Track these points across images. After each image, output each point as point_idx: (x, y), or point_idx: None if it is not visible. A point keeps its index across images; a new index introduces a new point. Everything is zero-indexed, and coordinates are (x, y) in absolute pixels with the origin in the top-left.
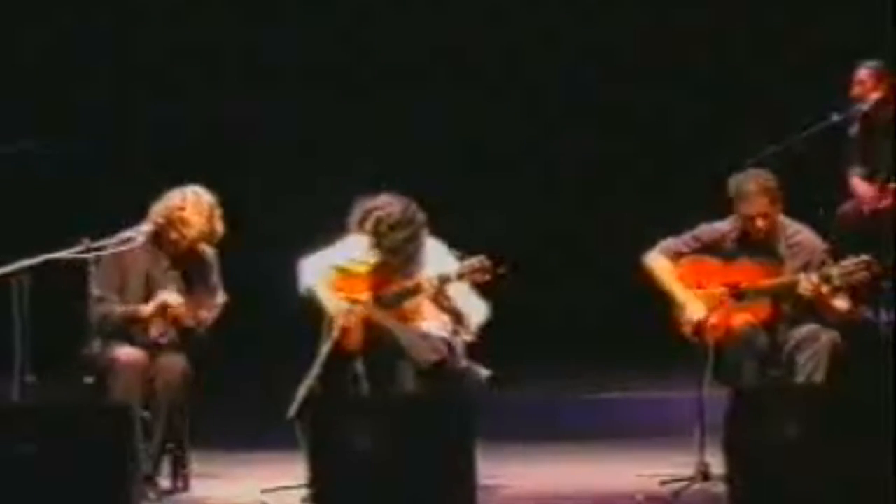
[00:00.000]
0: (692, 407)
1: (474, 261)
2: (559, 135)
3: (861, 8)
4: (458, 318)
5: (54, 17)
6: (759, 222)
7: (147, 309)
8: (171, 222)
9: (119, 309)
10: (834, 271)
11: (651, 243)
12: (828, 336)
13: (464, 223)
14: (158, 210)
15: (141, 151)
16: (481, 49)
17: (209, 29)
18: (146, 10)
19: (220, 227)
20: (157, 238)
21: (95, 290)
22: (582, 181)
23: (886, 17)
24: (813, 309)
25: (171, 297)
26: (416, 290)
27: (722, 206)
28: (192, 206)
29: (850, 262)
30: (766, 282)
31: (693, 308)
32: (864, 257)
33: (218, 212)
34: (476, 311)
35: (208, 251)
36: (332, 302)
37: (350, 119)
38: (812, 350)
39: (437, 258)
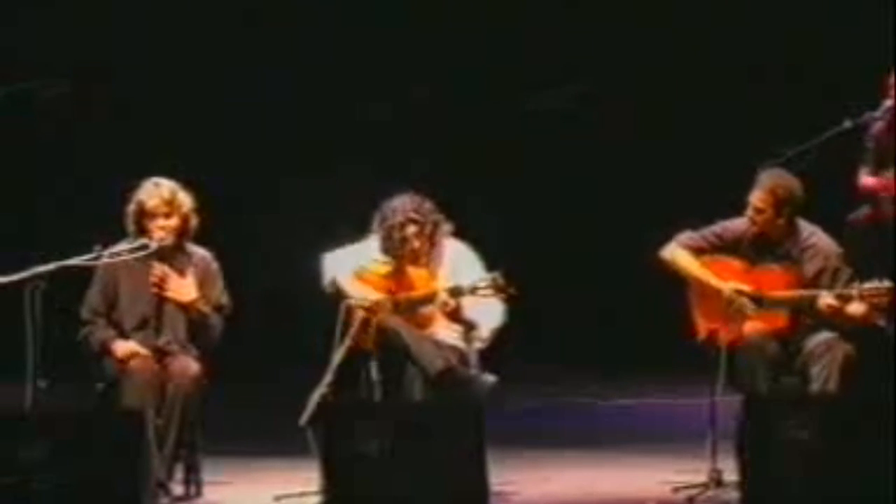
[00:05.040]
0: (701, 413)
1: (489, 277)
2: (560, 134)
3: (862, 9)
4: (469, 327)
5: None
6: (753, 214)
7: (118, 352)
8: (142, 218)
9: (98, 335)
10: (855, 293)
11: (652, 245)
12: (840, 347)
13: (463, 223)
14: (129, 215)
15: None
16: (482, 49)
17: (209, 28)
18: (145, 7)
19: (187, 202)
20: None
21: (82, 313)
22: (583, 181)
23: (888, 17)
24: (829, 319)
25: (132, 350)
26: (430, 299)
27: (723, 207)
28: (152, 196)
29: (872, 286)
30: (786, 293)
31: (729, 289)
32: (887, 283)
33: (182, 193)
34: (490, 317)
35: (208, 258)
36: (358, 293)
37: (350, 119)
38: (824, 361)
39: (465, 265)
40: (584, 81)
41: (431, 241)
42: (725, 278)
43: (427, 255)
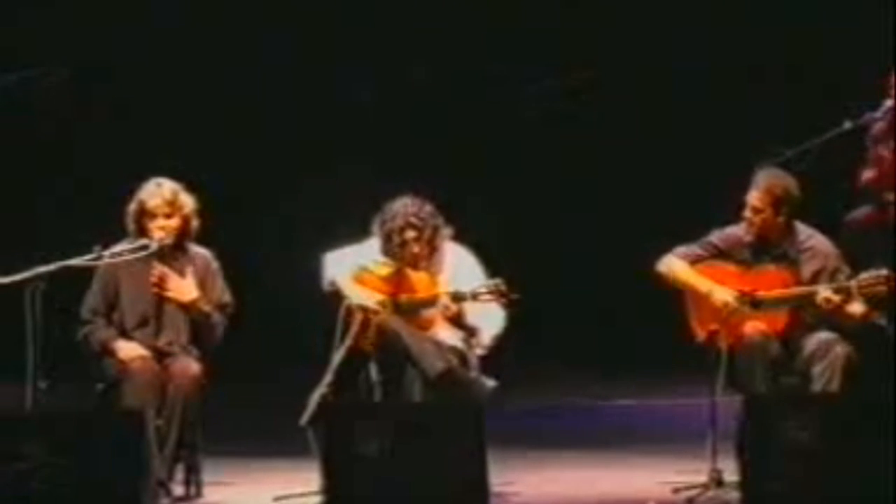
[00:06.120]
0: (701, 413)
1: (491, 283)
2: (560, 134)
3: (862, 9)
4: (470, 333)
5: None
6: (751, 214)
7: (120, 354)
8: (142, 217)
9: (100, 335)
10: (852, 284)
11: (652, 245)
12: (842, 347)
13: (463, 224)
14: (129, 214)
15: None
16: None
17: (209, 28)
18: (146, 7)
19: (188, 203)
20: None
21: (82, 313)
22: (583, 181)
23: (888, 17)
24: (829, 316)
25: (134, 351)
26: (431, 302)
27: (723, 207)
28: (153, 196)
29: (869, 276)
30: (784, 291)
31: (720, 293)
32: (884, 272)
33: (183, 195)
34: (491, 323)
35: (209, 257)
36: (356, 295)
37: (350, 119)
38: (826, 361)
39: (465, 270)
40: (583, 70)
41: (431, 246)
42: (722, 283)
43: (427, 259)
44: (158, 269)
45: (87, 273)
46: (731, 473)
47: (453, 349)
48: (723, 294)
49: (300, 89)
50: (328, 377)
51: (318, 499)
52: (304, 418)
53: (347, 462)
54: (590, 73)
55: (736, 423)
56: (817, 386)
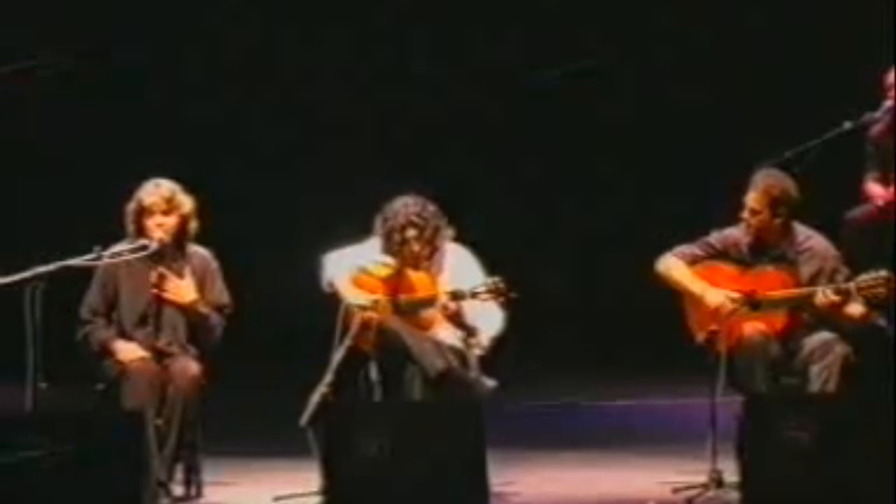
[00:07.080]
0: (701, 413)
1: (490, 282)
2: (560, 133)
3: (862, 9)
4: (469, 332)
5: None
6: (749, 216)
7: (119, 354)
8: (140, 216)
9: (100, 335)
10: (852, 286)
11: (652, 245)
12: (840, 348)
13: (463, 224)
14: (128, 214)
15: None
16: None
17: (210, 27)
18: (146, 6)
19: (186, 203)
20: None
21: (82, 313)
22: (583, 180)
23: (889, 17)
24: (828, 317)
25: (133, 352)
26: (430, 301)
27: (723, 208)
28: (151, 194)
29: (868, 278)
30: (782, 293)
31: (713, 295)
32: (884, 273)
33: (182, 195)
34: (490, 324)
35: (208, 257)
36: (353, 297)
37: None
38: (825, 362)
39: (466, 270)
40: (586, 60)
41: (432, 246)
42: (720, 283)
43: (427, 259)
44: (157, 270)
45: (87, 273)
46: (731, 473)
47: (453, 349)
48: (716, 296)
49: (301, 89)
50: (328, 377)
51: (318, 499)
52: (304, 418)
53: (347, 462)
54: (590, 62)
55: (736, 424)
56: (815, 386)
